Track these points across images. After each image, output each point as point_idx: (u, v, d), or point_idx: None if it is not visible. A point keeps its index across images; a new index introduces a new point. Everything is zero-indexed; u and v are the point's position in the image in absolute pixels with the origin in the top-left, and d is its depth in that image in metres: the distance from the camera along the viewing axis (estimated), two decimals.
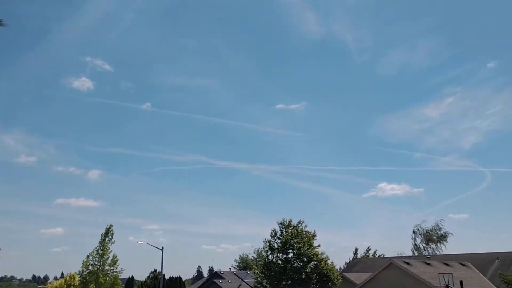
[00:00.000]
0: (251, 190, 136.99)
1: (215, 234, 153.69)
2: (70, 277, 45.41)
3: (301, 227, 36.26)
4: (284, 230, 36.02)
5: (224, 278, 44.14)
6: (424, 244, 57.76)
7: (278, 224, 36.57)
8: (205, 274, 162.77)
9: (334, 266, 35.85)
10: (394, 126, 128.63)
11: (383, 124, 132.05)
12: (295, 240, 35.10)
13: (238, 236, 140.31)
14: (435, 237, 57.53)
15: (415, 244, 58.49)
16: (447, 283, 24.58)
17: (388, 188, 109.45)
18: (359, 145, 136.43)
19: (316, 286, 33.69)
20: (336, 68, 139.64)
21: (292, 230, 35.68)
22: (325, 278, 34.19)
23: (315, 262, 34.62)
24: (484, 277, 33.44)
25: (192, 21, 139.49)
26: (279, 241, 35.84)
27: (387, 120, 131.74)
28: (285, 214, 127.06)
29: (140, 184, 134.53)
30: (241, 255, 65.58)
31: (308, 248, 34.74)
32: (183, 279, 60.85)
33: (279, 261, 35.04)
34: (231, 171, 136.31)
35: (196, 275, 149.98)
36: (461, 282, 24.17)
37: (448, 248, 56.81)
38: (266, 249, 35.96)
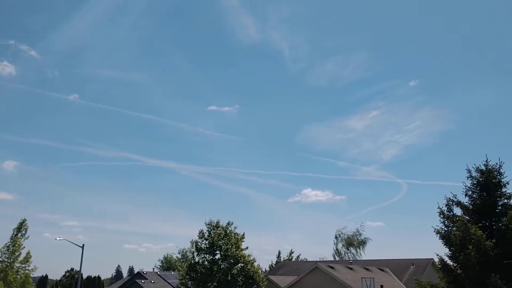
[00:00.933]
0: (179, 190, 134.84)
1: (138, 233, 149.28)
2: None
3: (230, 228, 36.00)
4: (212, 231, 35.53)
5: (146, 279, 42.68)
6: (345, 249, 59.85)
7: (206, 225, 36.07)
8: (125, 274, 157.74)
9: (260, 269, 35.96)
10: (321, 135, 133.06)
11: (311, 132, 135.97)
12: (223, 241, 34.76)
13: (162, 236, 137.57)
14: (355, 243, 59.82)
15: (337, 249, 60.52)
16: (369, 287, 25.44)
17: (312, 194, 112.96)
18: (287, 151, 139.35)
19: None
20: (270, 74, 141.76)
21: (221, 231, 35.30)
22: (250, 280, 34.16)
23: (242, 264, 34.50)
24: (400, 282, 35.11)
25: (130, 14, 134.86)
26: (206, 241, 35.30)
27: (315, 128, 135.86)
28: (211, 215, 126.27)
29: (61, 179, 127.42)
30: (165, 255, 64.17)
31: (236, 250, 34.54)
32: (102, 279, 58.29)
33: (206, 262, 34.51)
34: (160, 169, 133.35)
35: (115, 275, 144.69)
36: (381, 286, 25.13)
37: (367, 253, 59.44)
38: (192, 249, 35.25)
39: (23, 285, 40.62)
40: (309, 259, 57.78)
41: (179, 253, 67.23)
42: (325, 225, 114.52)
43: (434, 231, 25.21)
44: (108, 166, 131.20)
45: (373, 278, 28.08)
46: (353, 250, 59.74)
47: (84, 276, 51.28)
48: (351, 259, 56.16)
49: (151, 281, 42.31)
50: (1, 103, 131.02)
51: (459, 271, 24.35)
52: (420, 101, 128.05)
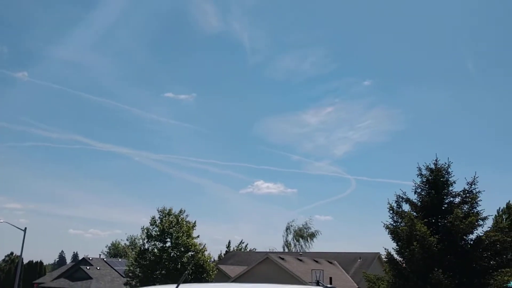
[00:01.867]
0: (130, 176, 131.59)
1: (84, 218, 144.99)
2: None
3: (182, 216, 35.58)
4: (163, 218, 34.99)
5: (92, 265, 41.50)
6: (295, 241, 60.78)
7: (158, 212, 35.48)
8: (69, 260, 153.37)
9: (210, 258, 35.82)
10: (277, 128, 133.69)
11: (267, 125, 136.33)
12: (174, 228, 34.32)
13: (110, 222, 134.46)
14: (305, 235, 60.87)
15: (287, 241, 61.34)
16: (318, 279, 25.88)
17: (264, 186, 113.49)
18: (242, 142, 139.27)
19: (191, 276, 33.27)
20: (230, 65, 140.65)
21: (172, 219, 34.82)
22: (200, 269, 33.98)
23: (192, 253, 34.23)
24: (347, 275, 36.02)
25: None
26: (157, 229, 34.74)
27: (271, 121, 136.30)
28: (162, 203, 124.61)
29: (6, 158, 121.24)
30: (113, 242, 62.71)
31: (186, 238, 34.21)
32: (44, 264, 56.22)
33: (155, 250, 33.97)
34: (111, 154, 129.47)
35: (58, 261, 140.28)
36: (330, 278, 25.64)
37: (316, 246, 60.67)
38: (143, 236, 34.60)
39: None
40: (258, 250, 58.28)
41: (127, 240, 66.03)
42: (276, 217, 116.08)
43: (384, 226, 25.96)
44: (56, 148, 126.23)
45: (323, 270, 28.63)
46: (302, 242, 60.84)
47: (25, 261, 49.24)
48: (300, 251, 57.17)
49: (96, 268, 41.20)
50: None
51: (404, 265, 25.25)
52: (373, 100, 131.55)
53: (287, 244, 60.65)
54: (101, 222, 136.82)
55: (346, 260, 39.23)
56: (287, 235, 61.47)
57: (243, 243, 66.47)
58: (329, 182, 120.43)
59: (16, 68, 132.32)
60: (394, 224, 26.09)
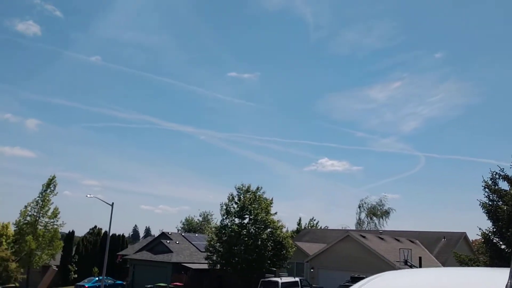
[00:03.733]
0: (196, 154, 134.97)
1: (154, 195, 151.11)
2: (2, 226, 42.04)
3: (259, 193, 35.61)
4: (242, 195, 35.19)
5: (171, 239, 42.89)
6: (368, 219, 59.38)
7: (236, 189, 35.77)
8: (142, 234, 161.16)
9: (289, 235, 35.71)
10: (341, 104, 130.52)
11: (330, 101, 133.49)
12: (253, 205, 34.44)
13: (178, 199, 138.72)
14: (378, 213, 59.23)
15: (359, 218, 60.03)
16: (406, 258, 24.92)
17: (329, 164, 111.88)
18: (305, 119, 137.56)
19: (270, 253, 33.37)
20: (292, 41, 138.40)
21: (251, 196, 34.93)
22: (279, 246, 33.98)
23: (271, 229, 34.25)
24: (431, 255, 34.56)
25: None
26: (236, 205, 35.03)
27: (334, 98, 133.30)
28: (226, 180, 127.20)
29: (82, 138, 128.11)
30: (187, 218, 64.63)
31: (266, 215, 34.24)
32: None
33: (234, 226, 34.31)
34: (177, 133, 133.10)
35: (132, 234, 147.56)
36: (420, 258, 24.56)
37: (389, 224, 58.89)
38: (222, 212, 35.03)
39: (52, 239, 41.23)
40: (330, 228, 57.57)
41: (200, 216, 67.80)
42: (341, 195, 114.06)
43: (479, 205, 24.34)
44: (127, 128, 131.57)
45: (410, 249, 27.53)
46: (376, 220, 59.29)
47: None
48: (372, 229, 55.84)
49: (176, 242, 42.47)
50: (25, 62, 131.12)
51: (503, 247, 23.62)
52: (445, 73, 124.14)
53: (360, 222, 59.51)
54: (170, 198, 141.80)
55: (428, 240, 37.65)
56: (360, 212, 60.22)
57: (314, 220, 66.14)
58: (396, 159, 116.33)
59: (90, 52, 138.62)
60: (490, 203, 24.39)
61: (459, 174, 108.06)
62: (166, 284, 35.91)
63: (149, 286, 35.51)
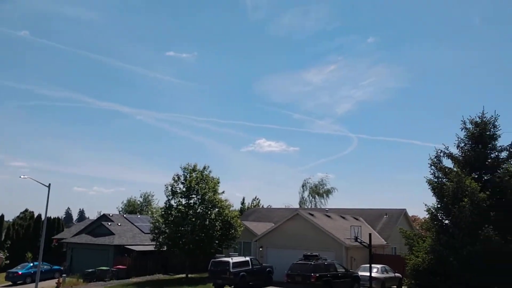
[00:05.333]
0: (133, 135, 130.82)
1: (88, 176, 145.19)
2: None
3: (206, 172, 34.74)
4: (188, 174, 34.15)
5: (113, 221, 41.11)
6: (310, 198, 60.43)
7: (181, 169, 34.59)
8: (75, 216, 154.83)
9: (237, 214, 35.28)
10: (279, 86, 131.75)
11: (268, 83, 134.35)
12: (200, 185, 33.56)
13: (113, 180, 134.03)
14: (321, 192, 60.45)
15: (303, 197, 60.98)
16: (356, 235, 25.31)
17: (266, 145, 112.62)
18: (244, 100, 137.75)
19: (219, 233, 32.81)
20: (231, 22, 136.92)
21: (197, 175, 33.99)
22: (227, 225, 33.50)
23: (218, 209, 33.64)
24: (374, 231, 35.53)
25: None
26: (182, 186, 33.98)
27: (272, 79, 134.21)
28: (165, 161, 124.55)
29: (12, 118, 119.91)
30: (129, 199, 62.26)
31: (213, 194, 33.53)
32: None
33: (180, 206, 33.32)
34: (113, 113, 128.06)
35: (64, 217, 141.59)
36: (370, 235, 24.99)
37: (330, 203, 60.17)
38: (168, 193, 33.85)
39: None
40: (274, 207, 57.91)
41: (141, 197, 65.67)
42: (278, 175, 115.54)
43: (426, 182, 25.03)
44: (59, 107, 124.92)
45: (360, 226, 27.98)
46: (318, 199, 60.48)
47: (42, 218, 48.78)
48: (313, 207, 56.91)
49: (117, 224, 40.77)
50: None
51: (446, 222, 24.52)
52: (376, 58, 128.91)
53: (303, 200, 60.42)
54: (105, 180, 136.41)
55: (371, 217, 38.78)
56: (303, 191, 61.15)
57: (256, 199, 66.33)
58: (331, 141, 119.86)
59: (17, 27, 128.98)
60: (436, 180, 25.18)
61: (389, 154, 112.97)
62: (108, 268, 34.44)
63: (89, 270, 33.86)
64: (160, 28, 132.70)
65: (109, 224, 40.27)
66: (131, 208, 59.93)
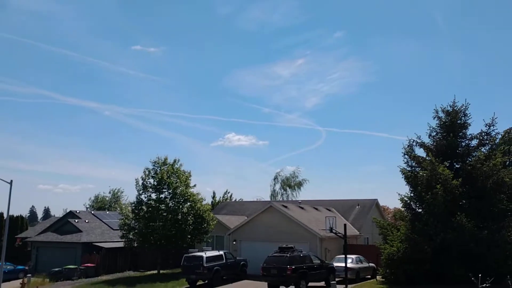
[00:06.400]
0: (99, 130, 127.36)
1: (53, 173, 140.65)
2: None
3: (177, 166, 33.90)
4: (159, 168, 33.23)
5: (80, 218, 39.71)
6: (282, 190, 60.33)
7: (151, 163, 33.60)
8: (40, 214, 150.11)
9: (209, 207, 34.61)
10: (247, 81, 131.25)
11: (237, 77, 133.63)
12: (171, 179, 32.72)
13: (80, 177, 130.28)
14: (292, 184, 60.42)
15: (274, 190, 60.80)
16: (331, 226, 25.14)
17: (235, 139, 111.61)
18: (212, 95, 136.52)
19: (191, 227, 32.11)
20: (199, 16, 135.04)
21: (168, 168, 33.12)
22: (199, 219, 32.82)
23: (191, 203, 32.90)
24: (347, 221, 35.57)
25: None
26: (153, 180, 33.03)
27: (241, 73, 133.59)
28: (133, 156, 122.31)
29: None
30: (97, 195, 60.55)
31: (185, 188, 32.76)
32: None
33: (151, 201, 32.40)
34: (79, 108, 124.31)
35: (29, 216, 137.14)
36: (344, 225, 24.89)
37: (301, 195, 60.27)
38: (138, 188, 32.85)
39: None
40: (245, 200, 57.44)
41: (109, 193, 64.10)
42: (248, 168, 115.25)
43: (400, 171, 25.16)
44: (20, 103, 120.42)
45: (335, 216, 27.88)
46: (290, 191, 60.41)
47: (4, 216, 46.79)
48: (285, 199, 56.81)
49: (85, 221, 39.41)
50: None
51: (419, 210, 24.69)
52: (344, 53, 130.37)
53: (274, 193, 60.21)
54: (71, 177, 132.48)
55: (343, 207, 38.86)
56: (274, 184, 60.99)
57: (228, 193, 65.71)
58: (300, 134, 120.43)
59: None
60: (409, 169, 25.32)
61: (357, 146, 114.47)
62: (76, 266, 33.20)
63: (56, 269, 32.52)
64: (125, 22, 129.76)
65: (76, 221, 38.88)
66: (100, 204, 58.34)
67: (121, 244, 34.84)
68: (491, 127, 24.42)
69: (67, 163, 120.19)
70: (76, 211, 41.90)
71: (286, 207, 32.37)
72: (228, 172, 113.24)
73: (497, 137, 24.68)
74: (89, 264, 33.73)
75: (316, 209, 36.01)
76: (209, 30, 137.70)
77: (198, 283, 27.02)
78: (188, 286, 26.74)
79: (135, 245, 33.12)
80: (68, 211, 44.14)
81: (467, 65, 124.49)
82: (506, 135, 36.69)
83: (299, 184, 60.03)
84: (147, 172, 33.24)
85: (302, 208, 34.59)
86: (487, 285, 18.95)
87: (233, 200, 61.65)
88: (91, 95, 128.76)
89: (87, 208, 57.24)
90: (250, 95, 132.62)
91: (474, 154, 24.35)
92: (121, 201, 58.44)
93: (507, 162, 25.81)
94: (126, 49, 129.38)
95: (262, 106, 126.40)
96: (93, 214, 42.98)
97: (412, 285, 22.07)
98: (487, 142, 24.49)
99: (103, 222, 41.19)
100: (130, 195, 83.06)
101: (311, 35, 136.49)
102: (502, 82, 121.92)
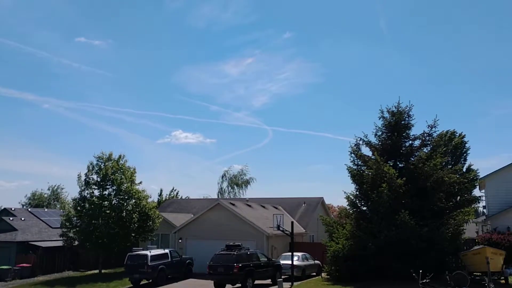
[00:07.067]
0: (38, 124, 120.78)
1: None
2: None
3: (122, 161, 32.78)
4: (103, 163, 31.99)
5: (15, 216, 37.48)
6: (229, 188, 60.16)
7: (95, 157, 32.31)
8: None
9: (155, 205, 33.75)
10: (196, 78, 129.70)
11: (185, 74, 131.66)
12: (116, 175, 31.58)
13: (16, 173, 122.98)
14: (240, 182, 60.42)
15: (221, 188, 60.53)
16: (278, 223, 25.17)
17: (183, 136, 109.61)
18: (160, 91, 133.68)
19: (136, 225, 31.17)
20: (148, 10, 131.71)
21: (113, 164, 31.95)
22: (145, 217, 31.92)
23: (135, 200, 31.92)
24: (293, 219, 35.89)
25: None
26: (96, 176, 31.75)
27: (190, 71, 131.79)
28: (75, 153, 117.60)
29: None
30: (34, 192, 57.48)
31: (130, 185, 31.73)
32: None
33: (94, 198, 31.10)
34: (15, 101, 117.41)
35: None
36: (292, 223, 25.01)
37: (248, 193, 60.41)
38: (81, 183, 31.44)
39: None
40: (192, 197, 56.76)
41: (48, 189, 61.17)
42: (195, 166, 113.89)
43: (346, 169, 25.57)
44: None
45: (283, 214, 27.94)
46: (237, 189, 60.40)
47: None
48: (233, 197, 56.72)
49: (21, 218, 37.24)
50: None
51: (364, 208, 25.23)
52: (292, 54, 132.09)
53: (221, 191, 59.97)
54: (5, 173, 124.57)
55: (290, 205, 39.18)
56: (222, 182, 60.78)
57: (174, 191, 64.66)
58: (247, 133, 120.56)
59: None
60: (355, 168, 25.79)
61: (303, 146, 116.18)
62: (10, 267, 31.28)
63: None
64: (69, 12, 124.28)
65: (10, 219, 36.64)
66: (37, 201, 55.44)
67: (60, 243, 33.24)
68: (433, 129, 25.35)
69: (2, 158, 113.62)
70: (11, 208, 39.52)
71: (233, 204, 32.15)
72: (175, 170, 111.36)
73: (438, 138, 25.68)
74: (24, 265, 31.89)
75: (264, 207, 36.08)
76: (157, 25, 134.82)
77: (142, 282, 26.22)
78: (132, 286, 25.91)
79: (76, 243, 31.68)
80: (2, 208, 41.62)
81: (410, 67, 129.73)
82: (445, 137, 38.52)
83: (247, 182, 60.27)
84: (90, 167, 31.91)
85: (249, 206, 34.52)
86: (427, 281, 19.61)
87: (180, 197, 60.70)
88: (29, 87, 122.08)
89: (23, 205, 54.31)
90: (198, 92, 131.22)
91: (416, 154, 25.16)
92: (62, 197, 55.94)
93: (444, 163, 26.80)
94: (69, 40, 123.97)
95: (210, 104, 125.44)
96: (29, 211, 40.73)
97: (356, 281, 22.49)
98: (429, 142, 25.41)
99: (40, 220, 39.13)
100: (71, 192, 79.51)
101: (261, 35, 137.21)
102: (443, 85, 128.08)
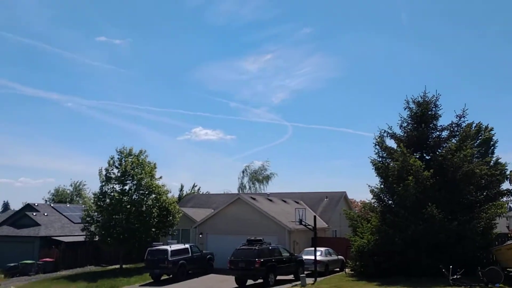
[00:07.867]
0: (62, 122, 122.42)
1: (13, 166, 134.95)
2: None
3: (142, 157, 32.57)
4: (123, 159, 31.85)
5: (38, 211, 37.78)
6: (250, 184, 59.69)
7: (116, 152, 32.21)
8: None
9: (175, 200, 33.48)
10: (215, 75, 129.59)
11: (204, 71, 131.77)
12: (136, 170, 31.39)
13: (41, 170, 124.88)
14: (260, 178, 59.88)
15: (242, 183, 60.11)
16: (300, 218, 24.55)
17: (202, 133, 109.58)
18: (179, 88, 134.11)
19: (156, 220, 30.94)
20: (167, 8, 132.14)
21: (133, 159, 31.76)
22: (165, 212, 31.68)
23: (156, 195, 31.70)
24: (315, 214, 35.17)
25: None
26: (117, 170, 31.63)
27: (209, 67, 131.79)
28: (97, 150, 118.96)
29: None
30: (57, 188, 58.11)
31: (150, 180, 31.50)
32: None
33: (114, 193, 30.95)
34: (41, 100, 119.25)
35: None
36: (314, 217, 24.34)
37: (269, 188, 59.78)
38: (102, 178, 31.35)
39: None
40: (212, 193, 56.48)
41: (71, 185, 61.74)
42: (215, 163, 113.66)
43: (370, 162, 24.76)
44: None
45: (305, 209, 27.31)
46: (257, 185, 59.84)
47: None
48: (254, 192, 56.18)
49: (44, 214, 37.52)
50: None
51: (389, 202, 24.36)
52: (311, 49, 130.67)
53: (242, 186, 59.52)
54: (32, 170, 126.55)
55: (312, 200, 38.46)
56: (242, 177, 60.37)
57: (196, 186, 64.59)
58: (267, 129, 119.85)
59: None
60: (380, 160, 24.94)
61: (324, 141, 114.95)
62: (33, 261, 31.52)
63: (11, 264, 30.77)
64: (90, 12, 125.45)
65: (34, 214, 36.93)
66: (60, 197, 56.00)
67: (82, 238, 33.31)
68: (462, 119, 24.31)
69: (29, 156, 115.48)
70: (34, 204, 39.85)
71: (254, 199, 31.63)
72: (195, 166, 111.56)
73: (469, 129, 24.60)
74: (47, 259, 32.09)
75: (285, 201, 35.45)
76: (177, 23, 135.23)
77: (162, 277, 25.95)
78: (152, 281, 25.66)
79: (97, 238, 31.66)
80: (24, 203, 42.04)
81: (432, 62, 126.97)
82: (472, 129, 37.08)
83: (268, 178, 59.66)
84: (111, 162, 31.79)
85: (270, 200, 33.94)
86: (458, 277, 18.75)
87: (201, 193, 60.56)
88: (53, 86, 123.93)
89: (46, 201, 54.92)
90: (217, 89, 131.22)
91: (444, 145, 24.17)
92: (83, 193, 56.36)
93: (474, 154, 25.66)
94: (91, 40, 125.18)
95: (229, 101, 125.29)
96: (52, 207, 41.04)
97: (381, 277, 21.68)
98: (458, 133, 24.36)
99: (63, 215, 39.36)
100: (93, 188, 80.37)
101: (280, 30, 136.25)
102: (469, 77, 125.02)
